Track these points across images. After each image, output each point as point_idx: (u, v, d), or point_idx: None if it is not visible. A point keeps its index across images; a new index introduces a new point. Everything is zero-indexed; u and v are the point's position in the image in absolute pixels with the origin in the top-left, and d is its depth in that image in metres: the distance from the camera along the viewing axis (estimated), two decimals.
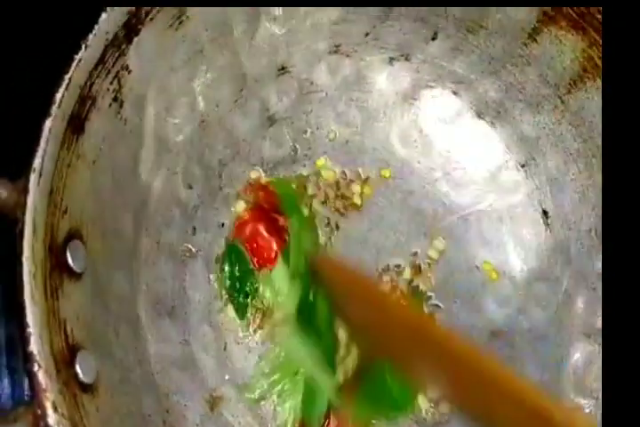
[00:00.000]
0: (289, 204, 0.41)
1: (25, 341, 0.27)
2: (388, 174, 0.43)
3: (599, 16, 0.35)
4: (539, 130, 0.40)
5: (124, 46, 0.33)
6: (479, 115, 0.42)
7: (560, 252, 0.40)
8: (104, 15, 0.32)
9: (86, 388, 0.30)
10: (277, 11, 0.39)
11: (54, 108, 0.30)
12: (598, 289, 0.38)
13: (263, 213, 0.41)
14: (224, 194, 0.42)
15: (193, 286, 0.40)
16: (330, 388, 0.38)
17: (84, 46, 0.31)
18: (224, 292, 0.40)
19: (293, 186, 0.42)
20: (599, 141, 0.38)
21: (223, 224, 0.41)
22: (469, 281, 0.41)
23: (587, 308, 0.39)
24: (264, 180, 0.42)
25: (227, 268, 0.40)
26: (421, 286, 0.41)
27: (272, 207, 0.41)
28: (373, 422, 0.38)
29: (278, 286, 0.40)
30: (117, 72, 0.34)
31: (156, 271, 0.39)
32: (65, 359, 0.29)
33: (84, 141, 0.32)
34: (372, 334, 0.30)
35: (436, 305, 0.41)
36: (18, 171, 0.29)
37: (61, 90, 0.30)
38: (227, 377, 0.39)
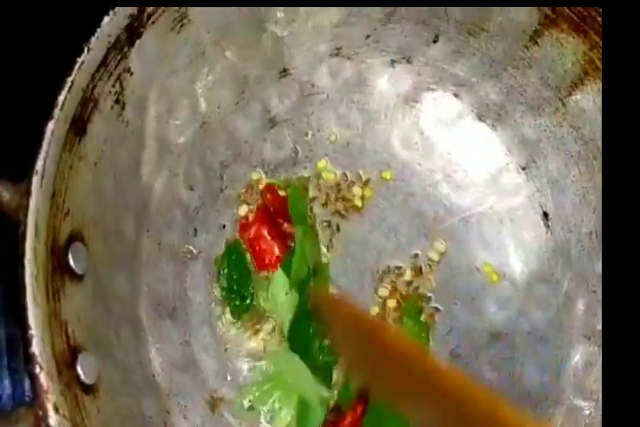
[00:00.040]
0: (297, 211, 0.41)
1: (27, 342, 0.27)
2: (388, 176, 0.43)
3: (600, 19, 0.35)
4: (540, 132, 0.40)
5: (126, 49, 0.33)
6: (480, 117, 0.42)
7: (560, 254, 0.40)
8: (106, 18, 0.32)
9: (87, 389, 0.30)
10: (279, 13, 0.39)
11: (57, 111, 0.30)
12: (598, 291, 0.38)
13: (268, 216, 0.41)
14: (225, 195, 0.42)
15: (194, 288, 0.40)
16: (323, 404, 0.38)
17: (86, 49, 0.31)
18: (222, 293, 0.40)
19: (310, 194, 0.42)
20: (599, 144, 0.38)
21: (224, 226, 0.41)
22: (470, 283, 0.41)
23: (587, 310, 0.39)
24: (273, 182, 0.42)
25: (225, 270, 0.40)
26: (422, 288, 0.41)
27: (278, 211, 0.41)
28: None
29: (274, 294, 0.40)
30: (119, 74, 0.34)
31: (156, 273, 0.39)
32: (66, 361, 0.29)
33: (86, 143, 0.32)
34: (368, 370, 0.30)
35: (436, 307, 0.41)
36: (20, 173, 0.30)
37: (64, 92, 0.30)
38: (228, 378, 0.39)
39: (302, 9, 0.39)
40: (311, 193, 0.42)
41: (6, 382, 0.41)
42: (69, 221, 0.31)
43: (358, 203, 0.42)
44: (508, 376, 0.39)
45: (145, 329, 0.38)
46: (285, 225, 0.41)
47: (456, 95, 0.42)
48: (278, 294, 0.40)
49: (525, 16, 0.37)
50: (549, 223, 0.41)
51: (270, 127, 0.43)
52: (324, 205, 0.42)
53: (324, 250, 0.41)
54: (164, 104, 0.38)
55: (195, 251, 0.41)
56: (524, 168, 0.42)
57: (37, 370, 0.27)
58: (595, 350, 0.38)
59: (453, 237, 0.42)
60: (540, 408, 0.39)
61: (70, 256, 0.31)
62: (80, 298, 0.32)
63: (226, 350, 0.40)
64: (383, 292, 0.41)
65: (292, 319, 0.40)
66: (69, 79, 0.31)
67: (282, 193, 0.42)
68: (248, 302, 0.40)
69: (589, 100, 0.37)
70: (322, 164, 0.43)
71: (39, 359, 0.27)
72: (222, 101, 0.41)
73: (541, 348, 0.39)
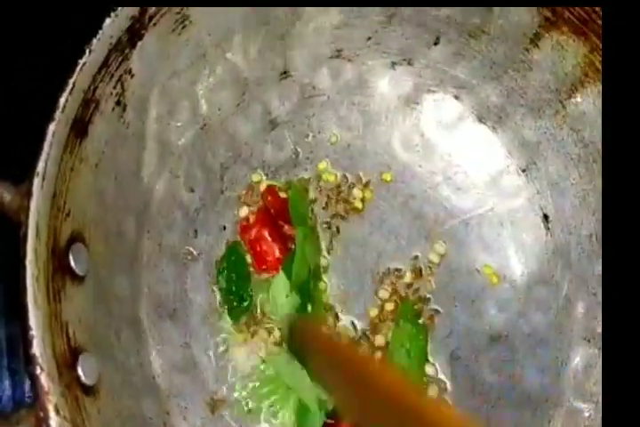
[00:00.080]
0: (298, 212, 0.41)
1: (27, 343, 0.27)
2: (389, 178, 0.43)
3: (600, 22, 0.35)
4: (540, 135, 0.41)
5: (127, 51, 0.33)
6: (480, 119, 0.42)
7: (560, 256, 0.40)
8: (108, 20, 0.32)
9: (88, 390, 0.30)
10: (280, 15, 0.39)
11: (58, 113, 0.30)
12: (598, 294, 0.38)
13: (269, 218, 0.41)
14: (226, 197, 0.42)
15: (194, 289, 0.40)
16: (321, 406, 0.38)
17: (87, 50, 0.31)
18: (220, 294, 0.40)
19: (311, 195, 0.42)
20: (600, 146, 0.38)
21: (225, 227, 0.41)
22: (470, 285, 0.41)
23: (587, 312, 0.39)
24: (274, 184, 0.42)
25: (224, 270, 0.41)
26: (422, 290, 0.41)
27: (279, 213, 0.41)
28: None
29: (274, 295, 0.40)
30: (121, 76, 0.34)
31: (157, 274, 0.39)
32: (67, 362, 0.29)
33: (87, 145, 0.32)
34: (351, 401, 0.30)
35: (436, 309, 0.41)
36: (21, 174, 0.30)
37: (65, 94, 0.30)
38: (227, 380, 0.39)
39: (303, 11, 0.39)
40: (311, 195, 0.42)
41: (6, 382, 0.41)
42: (70, 223, 0.31)
43: (358, 205, 0.42)
44: (508, 379, 0.39)
45: (145, 331, 0.38)
46: (286, 227, 0.41)
47: (457, 97, 0.42)
48: (279, 296, 0.40)
49: (526, 19, 0.37)
50: (549, 225, 0.41)
51: (271, 129, 0.43)
52: (325, 206, 0.42)
53: (324, 252, 0.41)
54: (164, 106, 0.38)
55: (195, 252, 0.41)
56: (524, 170, 0.42)
57: (38, 371, 0.27)
58: (594, 353, 0.38)
59: (454, 239, 0.42)
60: (539, 410, 0.39)
61: (71, 257, 0.31)
62: (81, 299, 0.32)
63: (226, 351, 0.40)
64: (383, 294, 0.41)
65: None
66: (71, 81, 0.31)
67: (282, 195, 0.42)
68: (246, 303, 0.40)
69: (590, 102, 0.37)
70: (322, 165, 0.43)
71: (40, 360, 0.27)
72: (223, 103, 0.41)
73: (541, 350, 0.39)
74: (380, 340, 0.40)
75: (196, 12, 0.36)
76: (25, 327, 0.27)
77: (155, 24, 0.34)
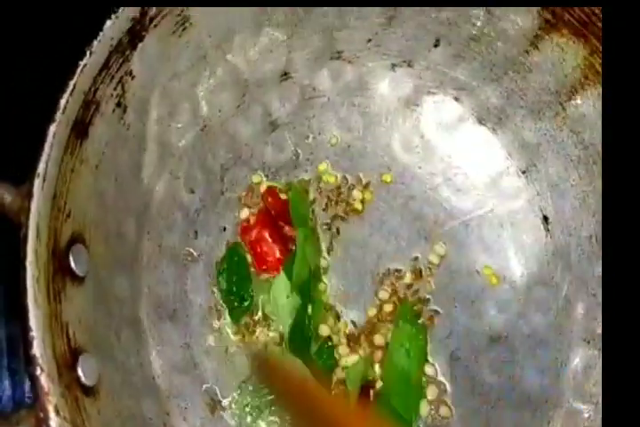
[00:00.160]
0: (299, 214, 0.41)
1: (27, 344, 0.27)
2: (389, 179, 0.43)
3: (600, 24, 0.35)
4: (540, 136, 0.41)
5: (127, 52, 0.34)
6: (480, 121, 0.42)
7: (560, 257, 0.40)
8: (109, 21, 0.32)
9: (88, 391, 0.30)
10: (280, 17, 0.39)
11: (58, 114, 0.30)
12: (598, 295, 0.38)
13: (270, 219, 0.41)
14: (226, 198, 0.42)
15: (194, 290, 0.40)
16: None
17: (88, 52, 0.32)
18: (221, 295, 0.41)
19: (311, 197, 0.42)
20: (599, 148, 0.38)
21: (225, 228, 0.41)
22: (470, 286, 0.41)
23: (586, 313, 0.39)
24: (274, 186, 0.42)
25: (225, 271, 0.41)
26: (421, 291, 0.41)
27: (279, 214, 0.41)
28: None
29: (275, 296, 0.40)
30: (121, 78, 0.34)
31: (157, 275, 0.39)
32: (67, 363, 0.29)
33: (88, 146, 0.33)
34: None
35: (436, 310, 0.41)
36: (22, 175, 0.30)
37: (66, 95, 0.31)
38: (227, 380, 0.39)
39: (303, 12, 0.40)
40: (311, 196, 0.42)
41: (6, 383, 0.41)
42: (70, 224, 0.31)
43: (358, 206, 0.42)
44: (507, 379, 0.39)
45: (145, 331, 0.38)
46: (286, 228, 0.41)
47: (457, 99, 0.42)
48: (279, 297, 0.40)
49: (526, 21, 0.37)
50: (549, 227, 0.41)
51: (271, 130, 0.43)
52: (325, 208, 0.42)
53: (324, 253, 0.42)
54: (165, 107, 0.38)
55: (195, 253, 0.41)
56: (524, 172, 0.42)
57: (38, 372, 0.27)
58: (594, 354, 0.38)
59: (454, 240, 0.42)
60: (539, 411, 0.39)
61: (71, 258, 0.31)
62: (81, 300, 0.32)
63: (226, 352, 0.40)
64: (383, 294, 0.41)
65: (292, 322, 0.40)
66: (71, 82, 0.31)
67: (283, 196, 0.42)
68: (247, 304, 0.40)
69: (589, 104, 0.38)
70: (322, 167, 0.43)
71: (40, 361, 0.27)
72: (223, 105, 0.41)
73: (541, 351, 0.39)
74: (379, 339, 0.40)
75: (196, 14, 0.36)
76: (25, 328, 0.27)
77: (155, 26, 0.34)
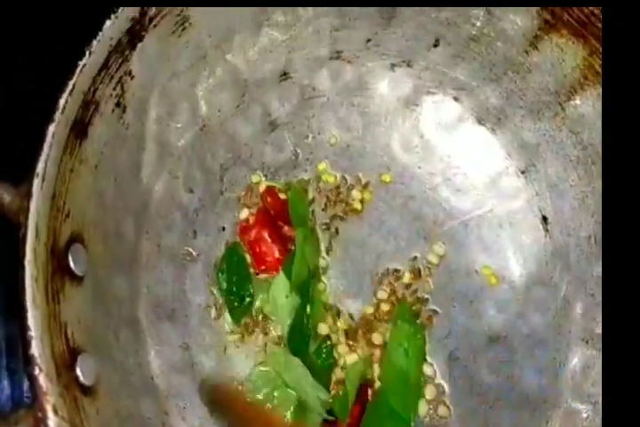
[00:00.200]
0: (298, 213, 0.41)
1: (26, 344, 0.27)
2: (388, 179, 0.43)
3: (600, 25, 0.35)
4: (539, 137, 0.41)
5: (127, 52, 0.34)
6: (480, 121, 0.42)
7: (559, 258, 0.40)
8: (108, 22, 0.32)
9: (86, 391, 0.30)
10: (280, 17, 0.39)
11: (58, 114, 0.30)
12: (596, 295, 0.39)
13: (269, 219, 0.41)
14: (225, 198, 0.42)
15: (193, 290, 0.40)
16: (321, 407, 0.38)
17: (87, 52, 0.31)
18: (220, 295, 0.41)
19: (310, 196, 0.42)
20: (598, 149, 0.38)
21: (224, 228, 0.42)
22: (468, 286, 0.41)
23: (585, 313, 0.39)
24: (274, 185, 0.42)
25: (224, 271, 0.41)
26: (420, 291, 0.41)
27: (278, 214, 0.41)
28: None
29: (274, 296, 0.40)
30: (120, 78, 0.34)
31: (156, 275, 0.39)
32: (65, 362, 0.29)
33: (87, 146, 0.33)
34: None
35: (435, 310, 0.41)
36: (21, 175, 0.30)
37: (65, 95, 0.31)
38: (226, 380, 0.39)
39: (303, 12, 0.40)
40: (311, 196, 0.42)
41: (5, 382, 0.41)
42: (70, 223, 0.31)
43: (358, 206, 0.42)
44: (506, 379, 0.39)
45: (144, 331, 0.38)
46: (286, 228, 0.41)
47: (456, 99, 0.42)
48: (278, 297, 0.40)
49: (525, 21, 0.37)
50: (548, 227, 0.41)
51: (271, 130, 0.43)
52: (324, 208, 0.42)
53: (323, 253, 0.42)
54: (164, 107, 0.38)
55: (194, 253, 0.41)
56: (523, 172, 0.42)
57: (36, 372, 0.27)
58: (593, 354, 0.38)
59: (453, 240, 0.42)
60: (538, 411, 0.39)
61: (70, 258, 0.31)
62: (80, 300, 0.32)
63: (224, 352, 0.40)
64: (382, 294, 0.41)
65: (291, 322, 0.40)
66: (71, 82, 0.31)
67: (282, 196, 0.42)
68: (247, 303, 0.40)
69: (589, 105, 0.38)
70: (322, 166, 0.43)
71: (38, 361, 0.27)
72: (223, 104, 0.41)
73: (540, 351, 0.40)
74: (377, 338, 0.40)
75: (196, 14, 0.36)
76: (24, 328, 0.27)
77: (155, 26, 0.34)
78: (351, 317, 0.41)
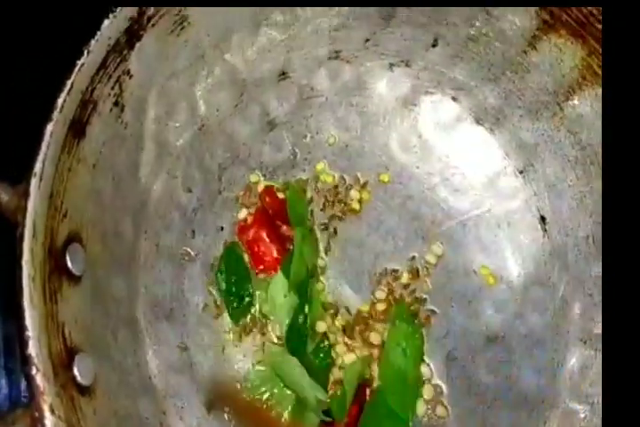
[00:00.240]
0: (296, 213, 0.41)
1: (23, 344, 0.27)
2: (386, 179, 0.43)
3: (598, 25, 0.35)
4: (537, 137, 0.41)
5: (125, 52, 0.33)
6: (478, 121, 0.42)
7: (557, 258, 0.40)
8: (106, 21, 0.32)
9: (84, 390, 0.30)
10: (278, 16, 0.39)
11: (56, 113, 0.30)
12: (594, 295, 0.39)
13: (267, 219, 0.41)
14: (223, 198, 0.42)
15: (191, 290, 0.40)
16: (319, 406, 0.38)
17: (86, 52, 0.31)
18: (220, 295, 0.41)
19: (308, 196, 0.42)
20: (597, 149, 0.38)
21: (222, 228, 0.42)
22: (467, 286, 0.41)
23: (583, 313, 0.39)
24: (272, 185, 0.42)
25: (223, 272, 0.41)
26: (418, 291, 0.41)
27: (277, 214, 0.41)
28: None
29: (272, 295, 0.40)
30: (119, 77, 0.34)
31: (154, 274, 0.39)
32: (63, 362, 0.29)
33: (85, 145, 0.33)
34: None
35: (433, 310, 0.41)
36: (19, 175, 0.30)
37: (63, 95, 0.31)
38: (224, 380, 0.39)
39: (301, 12, 0.40)
40: (309, 196, 0.42)
41: (3, 382, 0.41)
42: (67, 223, 0.31)
43: (356, 206, 0.42)
44: (504, 379, 0.39)
45: (142, 331, 0.38)
46: (284, 228, 0.41)
47: (454, 99, 0.42)
48: (277, 296, 0.40)
49: (524, 21, 0.37)
50: (546, 227, 0.41)
51: (269, 130, 0.43)
52: (322, 208, 0.42)
53: (321, 253, 0.42)
54: (163, 106, 0.38)
55: (192, 253, 0.41)
56: (521, 172, 0.42)
57: (34, 371, 0.27)
58: (591, 354, 0.38)
59: (451, 240, 0.42)
60: (535, 411, 0.39)
61: (68, 258, 0.31)
62: (77, 300, 0.32)
63: (223, 351, 0.40)
64: (380, 294, 0.41)
65: (289, 321, 0.40)
66: (69, 81, 0.31)
67: (280, 195, 0.42)
68: (246, 303, 0.40)
69: (587, 105, 0.38)
70: (320, 166, 0.43)
71: (35, 361, 0.27)
72: (221, 104, 0.41)
73: (538, 351, 0.40)
74: (375, 338, 0.40)
75: (194, 13, 0.36)
76: (21, 328, 0.27)
77: (153, 25, 0.34)
78: (348, 311, 0.41)
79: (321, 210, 0.42)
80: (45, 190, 0.30)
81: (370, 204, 0.43)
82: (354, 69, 0.43)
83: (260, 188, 0.42)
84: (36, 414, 0.27)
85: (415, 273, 0.41)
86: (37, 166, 0.29)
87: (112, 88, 0.34)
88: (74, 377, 0.29)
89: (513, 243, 0.42)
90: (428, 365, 0.40)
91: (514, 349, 0.40)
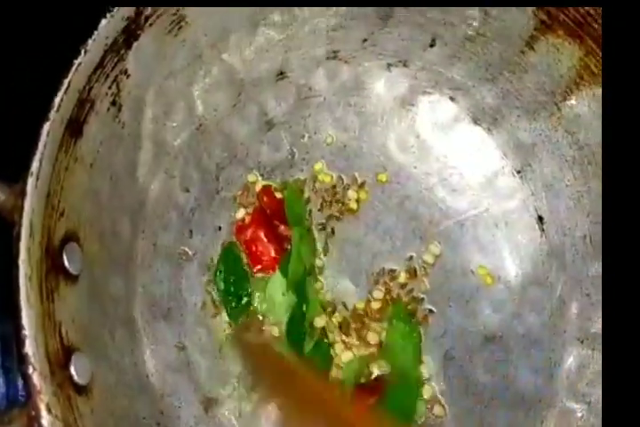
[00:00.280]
0: (294, 213, 0.41)
1: (20, 343, 0.27)
2: (384, 179, 0.43)
3: (596, 25, 0.35)
4: (535, 136, 0.41)
5: (123, 51, 0.33)
6: (476, 121, 0.42)
7: (555, 257, 0.40)
8: (104, 20, 0.32)
9: (81, 390, 0.30)
10: (276, 16, 0.39)
11: (53, 112, 0.30)
12: (592, 295, 0.39)
13: (265, 219, 0.41)
14: (221, 197, 0.42)
15: (189, 289, 0.40)
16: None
17: (83, 51, 0.31)
18: (218, 295, 0.41)
19: (306, 196, 0.42)
20: (594, 149, 0.38)
21: (220, 227, 0.41)
22: (464, 286, 0.41)
23: (580, 313, 0.39)
24: (270, 185, 0.42)
25: (221, 271, 0.41)
26: (416, 290, 0.41)
27: (274, 214, 0.41)
28: None
29: (271, 294, 0.40)
30: (116, 76, 0.34)
31: (152, 274, 0.39)
32: (59, 361, 0.29)
33: (82, 145, 0.33)
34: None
35: (431, 309, 0.41)
36: (16, 174, 0.30)
37: (60, 94, 0.31)
38: (221, 379, 0.39)
39: (299, 12, 0.40)
40: (307, 196, 0.42)
41: (0, 381, 0.41)
42: (64, 222, 0.31)
43: (354, 206, 0.42)
44: (501, 379, 0.39)
45: (139, 330, 0.38)
46: (282, 227, 0.41)
47: (452, 99, 0.42)
48: (275, 296, 0.40)
49: (522, 21, 0.37)
50: (544, 227, 0.41)
51: (267, 130, 0.43)
52: (320, 208, 0.42)
53: (319, 253, 0.42)
54: (160, 106, 0.38)
55: (190, 252, 0.41)
56: (519, 172, 0.42)
57: (30, 370, 0.27)
58: (588, 354, 0.38)
59: (448, 240, 0.42)
60: (533, 411, 0.39)
61: (65, 257, 0.31)
62: (74, 299, 0.32)
63: (220, 351, 0.40)
64: (378, 294, 0.41)
65: (288, 320, 0.40)
66: (66, 81, 0.31)
67: (278, 195, 0.42)
68: (245, 303, 0.40)
69: (584, 105, 0.38)
70: (318, 166, 0.43)
71: (32, 360, 0.27)
72: (219, 104, 0.41)
73: (535, 351, 0.40)
74: (373, 337, 0.40)
75: (192, 13, 0.36)
76: (17, 327, 0.27)
77: (151, 25, 0.34)
78: (346, 307, 0.41)
79: (319, 210, 0.42)
80: (42, 190, 0.30)
81: (367, 204, 0.43)
82: (352, 69, 0.43)
83: (258, 187, 0.42)
84: (33, 414, 0.27)
85: (413, 273, 0.41)
86: (34, 165, 0.29)
87: (109, 87, 0.34)
88: (71, 376, 0.29)
89: (510, 243, 0.42)
90: (426, 364, 0.40)
91: (511, 348, 0.40)
